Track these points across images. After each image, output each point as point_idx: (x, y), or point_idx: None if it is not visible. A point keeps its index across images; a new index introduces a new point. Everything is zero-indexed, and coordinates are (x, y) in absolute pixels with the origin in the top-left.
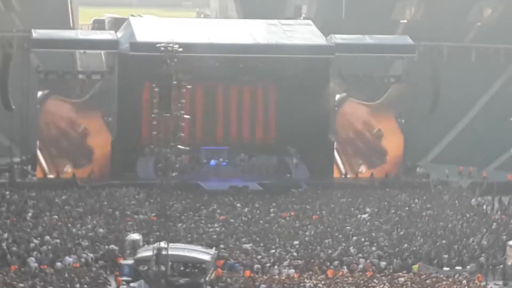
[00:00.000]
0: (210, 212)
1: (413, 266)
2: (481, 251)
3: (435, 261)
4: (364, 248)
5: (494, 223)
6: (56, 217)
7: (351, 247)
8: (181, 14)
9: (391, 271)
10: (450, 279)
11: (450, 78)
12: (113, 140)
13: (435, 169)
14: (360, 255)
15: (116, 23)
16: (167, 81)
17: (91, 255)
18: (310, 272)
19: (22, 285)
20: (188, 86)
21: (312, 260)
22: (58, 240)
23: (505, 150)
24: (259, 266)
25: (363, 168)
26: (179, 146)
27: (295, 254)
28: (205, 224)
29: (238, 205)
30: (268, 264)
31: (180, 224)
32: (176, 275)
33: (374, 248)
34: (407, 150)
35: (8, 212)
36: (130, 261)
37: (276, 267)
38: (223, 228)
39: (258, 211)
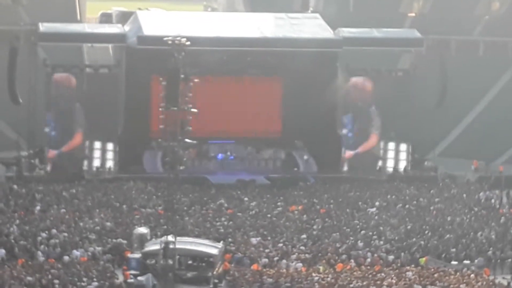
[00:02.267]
0: (218, 206)
1: (420, 259)
2: (489, 245)
3: (443, 255)
4: (372, 242)
5: (502, 217)
6: (64, 210)
7: (359, 241)
8: (188, 7)
9: (399, 265)
10: (458, 273)
11: (458, 71)
12: (120, 134)
13: (443, 163)
14: (368, 249)
15: (124, 17)
16: (174, 75)
17: (99, 248)
18: (318, 266)
19: (30, 278)
20: (196, 80)
21: (320, 254)
22: (65, 234)
23: None
24: (267, 260)
25: None
26: (186, 140)
27: (302, 248)
28: (213, 218)
29: (246, 199)
30: (275, 258)
31: (187, 218)
32: (184, 268)
33: (382, 242)
34: (415, 143)
35: (16, 206)
36: (137, 255)
37: (283, 261)
38: (231, 222)
39: (265, 205)
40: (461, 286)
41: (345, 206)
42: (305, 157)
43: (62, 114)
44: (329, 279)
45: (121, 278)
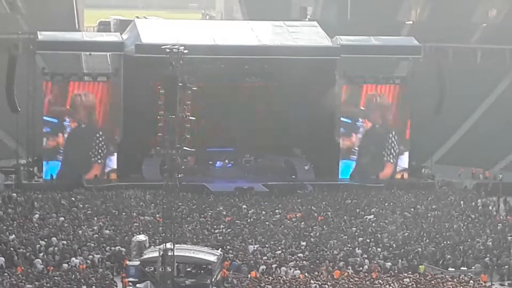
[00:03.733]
0: (216, 214)
1: (420, 266)
2: (486, 252)
3: (440, 262)
4: (370, 249)
5: (499, 224)
6: (63, 218)
7: (357, 248)
8: (186, 15)
9: (396, 272)
10: (455, 280)
11: (455, 79)
12: (119, 142)
13: (441, 170)
14: (366, 256)
15: (122, 25)
16: (172, 83)
17: (98, 256)
18: (316, 273)
19: (29, 286)
20: (194, 88)
21: (318, 261)
22: (64, 242)
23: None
24: (265, 267)
25: None
26: (185, 148)
27: (300, 255)
28: (211, 225)
29: (244, 206)
30: (274, 265)
31: (186, 225)
32: (182, 276)
33: (379, 249)
34: (413, 150)
35: (15, 214)
36: (136, 262)
37: (282, 268)
38: (229, 229)
39: (263, 212)
40: None
41: (342, 213)
42: (306, 167)
43: None
44: (326, 286)
45: (120, 286)
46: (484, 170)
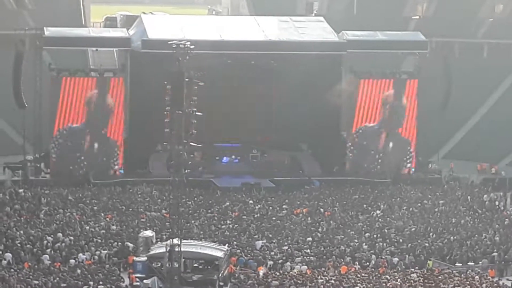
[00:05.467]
0: (223, 209)
1: (428, 262)
2: (493, 247)
3: (448, 257)
4: (377, 244)
5: (507, 219)
6: (70, 214)
7: (364, 243)
8: (192, 11)
9: (403, 267)
10: (463, 275)
11: (462, 74)
12: (126, 137)
13: (447, 165)
14: (372, 251)
15: (128, 21)
16: (179, 78)
17: (105, 252)
18: (323, 268)
19: (36, 282)
20: (200, 83)
21: (325, 257)
22: (71, 238)
23: None
24: (272, 262)
25: None
26: (192, 143)
27: (307, 250)
28: (218, 221)
29: (251, 202)
30: (280, 261)
31: (193, 221)
32: (189, 271)
33: (386, 245)
34: (419, 146)
35: (22, 210)
36: (143, 258)
37: (288, 263)
38: (236, 225)
39: (270, 208)
40: None
41: (349, 208)
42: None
43: None
44: (333, 281)
45: (127, 281)
46: (492, 165)
